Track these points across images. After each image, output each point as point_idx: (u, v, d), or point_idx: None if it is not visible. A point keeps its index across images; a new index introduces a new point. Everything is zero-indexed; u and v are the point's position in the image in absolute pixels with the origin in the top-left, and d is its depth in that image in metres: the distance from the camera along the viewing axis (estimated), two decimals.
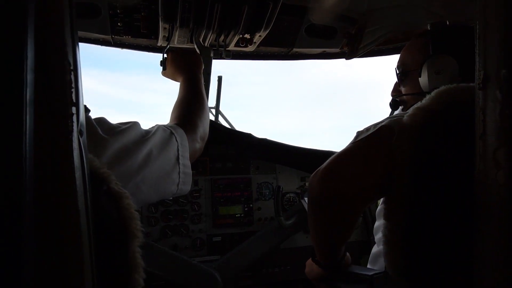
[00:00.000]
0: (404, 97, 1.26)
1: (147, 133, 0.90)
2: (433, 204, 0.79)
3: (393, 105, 1.32)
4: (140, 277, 0.61)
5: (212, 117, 2.52)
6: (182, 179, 0.97)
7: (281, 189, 2.00)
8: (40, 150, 0.39)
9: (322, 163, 2.65)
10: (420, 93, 1.16)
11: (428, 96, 0.83)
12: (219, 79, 2.23)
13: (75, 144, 0.41)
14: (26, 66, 0.38)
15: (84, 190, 0.43)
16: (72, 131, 0.41)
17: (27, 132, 0.38)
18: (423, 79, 1.11)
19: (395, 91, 1.31)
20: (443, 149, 0.79)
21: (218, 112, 2.52)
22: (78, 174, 0.42)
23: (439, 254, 0.80)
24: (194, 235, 2.21)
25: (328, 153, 2.40)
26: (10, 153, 0.37)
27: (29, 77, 0.38)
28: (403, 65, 1.23)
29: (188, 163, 1.00)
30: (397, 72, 1.26)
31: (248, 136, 2.30)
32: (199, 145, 1.10)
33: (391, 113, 2.44)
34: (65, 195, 0.39)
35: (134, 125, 0.88)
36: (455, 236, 0.79)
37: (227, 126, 2.41)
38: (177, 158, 0.95)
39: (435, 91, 0.83)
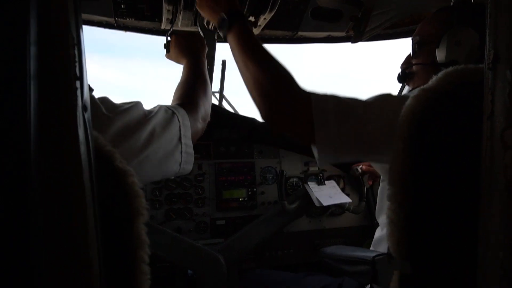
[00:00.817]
0: (414, 68, 1.24)
1: (150, 113, 0.91)
2: (437, 185, 0.79)
3: (401, 77, 1.30)
4: (145, 254, 0.61)
5: (216, 101, 2.51)
6: (184, 159, 0.98)
7: (284, 174, 2.00)
8: (44, 124, 0.38)
9: None
10: (431, 64, 1.15)
11: (435, 78, 0.81)
12: (223, 63, 2.21)
13: (79, 120, 0.41)
14: (29, 40, 0.38)
15: (89, 166, 0.43)
16: (76, 105, 0.41)
17: (32, 106, 0.37)
18: (441, 50, 1.10)
19: (406, 63, 1.29)
20: (448, 130, 0.78)
21: (222, 96, 2.51)
22: (83, 149, 0.41)
23: (443, 236, 0.81)
24: (198, 219, 2.23)
25: None
26: (15, 126, 0.37)
27: (33, 50, 0.37)
28: (421, 35, 1.22)
29: (190, 143, 1.00)
30: (413, 43, 1.24)
31: (252, 121, 2.29)
32: (200, 125, 1.10)
33: (401, 89, 2.42)
34: (70, 169, 0.39)
35: (137, 104, 0.88)
36: (459, 217, 0.79)
37: (231, 110, 2.40)
38: (179, 138, 0.95)
39: (443, 71, 0.82)
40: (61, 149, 0.40)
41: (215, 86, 2.50)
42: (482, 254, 0.62)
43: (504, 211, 0.58)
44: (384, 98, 0.95)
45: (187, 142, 0.99)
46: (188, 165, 1.01)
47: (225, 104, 2.59)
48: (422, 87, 0.81)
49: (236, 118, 2.35)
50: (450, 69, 0.81)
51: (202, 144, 2.32)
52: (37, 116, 0.38)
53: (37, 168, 0.37)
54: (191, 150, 1.01)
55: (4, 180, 0.37)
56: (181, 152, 0.96)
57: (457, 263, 0.79)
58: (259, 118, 2.29)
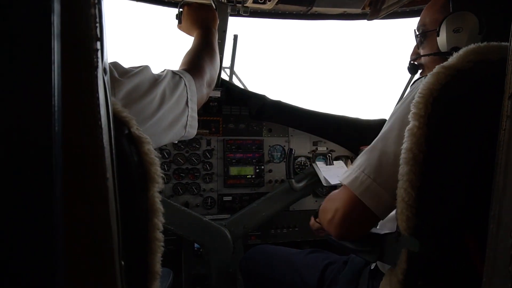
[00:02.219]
0: (422, 59, 1.22)
1: (159, 76, 0.92)
2: (450, 165, 0.79)
3: (411, 68, 1.28)
4: (159, 221, 0.63)
5: (226, 77, 2.49)
6: (189, 122, 1.00)
7: (293, 152, 2.00)
8: (66, 86, 0.38)
9: (335, 128, 2.61)
10: (437, 53, 1.12)
11: (455, 55, 0.79)
12: (235, 37, 2.17)
13: (99, 81, 0.41)
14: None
15: (108, 129, 0.43)
16: (97, 67, 0.41)
17: (55, 67, 0.37)
18: (441, 38, 1.07)
19: (414, 54, 1.27)
20: (465, 109, 0.77)
21: (232, 72, 2.49)
22: (102, 111, 0.42)
23: (453, 216, 0.81)
24: (206, 194, 2.26)
25: (341, 118, 2.39)
26: (38, 88, 0.37)
27: (56, 7, 0.37)
28: (423, 25, 1.19)
29: (195, 107, 1.02)
30: (417, 34, 1.22)
31: (262, 98, 2.28)
32: (206, 90, 1.11)
33: (409, 81, 2.38)
34: (90, 129, 0.40)
35: (146, 68, 0.90)
36: (471, 198, 0.78)
37: (241, 86, 2.39)
38: (186, 102, 0.97)
39: (464, 49, 0.79)
40: (82, 111, 0.40)
41: (226, 61, 2.47)
42: (493, 233, 0.62)
43: None
44: (392, 116, 0.96)
45: (193, 107, 1.01)
46: (193, 129, 1.03)
47: (235, 80, 2.57)
48: (442, 64, 0.79)
49: (246, 95, 2.34)
50: (471, 46, 0.79)
51: (211, 120, 2.33)
52: (59, 77, 0.38)
53: (58, 129, 0.38)
54: (196, 115, 1.03)
55: (27, 137, 0.37)
56: (187, 116, 0.98)
57: (465, 243, 0.79)
58: (269, 95, 2.29)
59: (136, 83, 0.84)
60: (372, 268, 1.21)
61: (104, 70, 0.43)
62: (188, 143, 2.26)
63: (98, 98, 0.41)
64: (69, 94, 0.38)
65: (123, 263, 0.45)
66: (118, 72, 0.83)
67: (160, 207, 0.63)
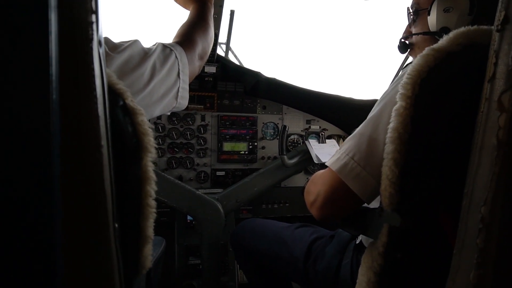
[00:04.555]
0: (413, 38, 1.23)
1: (149, 50, 0.94)
2: (433, 145, 0.82)
3: (402, 47, 1.29)
4: (151, 189, 0.66)
5: (222, 53, 2.48)
6: (181, 93, 1.02)
7: (286, 129, 2.03)
8: (62, 55, 0.40)
9: (328, 108, 2.62)
10: (427, 33, 1.14)
11: (445, 37, 0.81)
12: (232, 13, 2.15)
13: (95, 53, 0.43)
14: None
15: (103, 98, 0.46)
16: (92, 39, 0.43)
17: (52, 36, 0.39)
18: (432, 17, 1.08)
19: (406, 33, 1.27)
20: (452, 91, 0.79)
21: (228, 48, 2.47)
22: (98, 82, 0.44)
23: (433, 192, 0.85)
24: (199, 168, 2.30)
25: (335, 98, 2.41)
26: (36, 53, 0.39)
27: None
28: (417, 3, 1.19)
29: (187, 79, 1.04)
30: (410, 12, 1.22)
31: (257, 75, 2.28)
32: (198, 63, 1.12)
33: (403, 63, 2.38)
34: (85, 99, 0.42)
35: (136, 42, 0.91)
36: (450, 175, 0.82)
37: (237, 63, 2.38)
38: (178, 73, 0.99)
39: (453, 32, 0.81)
40: (78, 81, 0.42)
41: (222, 37, 2.46)
42: (465, 209, 0.67)
43: (491, 170, 0.61)
44: (382, 99, 0.96)
45: (184, 78, 1.02)
46: (184, 100, 1.04)
47: (231, 57, 2.55)
48: (431, 46, 0.81)
49: (241, 71, 2.34)
50: (461, 29, 0.80)
51: (206, 95, 2.33)
52: (56, 49, 0.39)
53: (56, 97, 0.40)
54: (187, 86, 1.05)
55: (25, 105, 0.39)
56: (179, 87, 1.00)
57: (440, 219, 0.83)
58: (264, 72, 2.29)
59: (126, 57, 0.85)
60: (357, 243, 1.26)
61: (99, 42, 0.45)
62: (182, 118, 2.28)
63: (93, 69, 0.43)
64: (65, 65, 0.40)
65: (116, 225, 0.48)
66: (109, 47, 0.84)
67: (152, 175, 0.66)
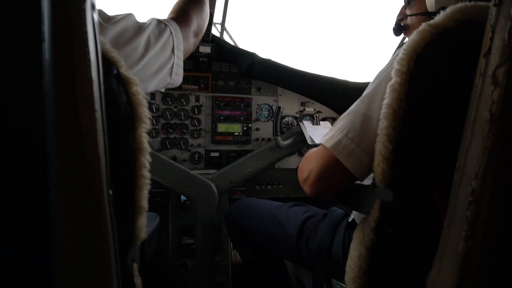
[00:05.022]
0: (409, 19, 1.22)
1: (144, 24, 0.93)
2: (427, 121, 0.82)
3: (397, 29, 1.28)
4: (146, 160, 0.66)
5: (217, 33, 2.45)
6: (175, 70, 1.01)
7: (281, 110, 2.03)
8: (55, 16, 0.39)
9: (323, 90, 2.62)
10: (424, 13, 1.13)
11: (442, 13, 0.80)
12: None
13: (88, 14, 0.42)
14: None
15: (96, 63, 0.45)
16: (85, 1, 0.42)
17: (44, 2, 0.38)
18: None
19: (401, 14, 1.26)
20: (448, 67, 0.79)
21: (223, 28, 2.44)
22: (91, 45, 0.43)
23: (424, 168, 0.86)
24: (193, 149, 2.30)
25: (330, 80, 2.40)
26: (28, 14, 0.38)
27: None
28: None
29: (181, 56, 1.03)
30: None
31: (252, 56, 2.26)
32: (193, 39, 1.11)
33: (399, 46, 2.37)
34: (78, 62, 0.41)
35: (130, 15, 0.90)
36: (441, 151, 0.83)
37: (232, 43, 2.36)
38: (173, 49, 0.98)
39: (451, 7, 0.80)
40: (70, 43, 0.41)
41: (217, 17, 2.42)
42: (457, 183, 0.68)
43: (483, 144, 0.62)
44: (377, 77, 0.96)
45: (179, 54, 1.01)
46: (178, 77, 1.04)
47: (226, 37, 2.52)
48: (428, 22, 0.80)
49: (237, 52, 2.31)
50: (458, 5, 0.80)
51: (201, 76, 2.31)
52: (48, 8, 0.39)
53: (48, 57, 0.39)
54: (182, 63, 1.04)
55: (17, 66, 0.38)
56: (173, 63, 0.99)
57: (431, 194, 0.85)
58: (259, 53, 2.27)
59: (120, 29, 0.84)
60: (349, 220, 1.28)
61: (93, 5, 0.44)
62: (176, 98, 2.26)
63: (86, 32, 0.42)
64: (58, 26, 0.39)
65: (111, 192, 0.49)
66: (102, 19, 0.83)
67: (147, 146, 0.66)
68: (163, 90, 1.39)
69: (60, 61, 0.40)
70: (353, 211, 1.23)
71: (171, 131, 2.25)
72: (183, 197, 2.22)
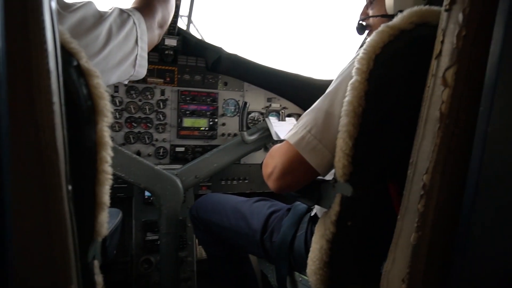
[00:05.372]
0: (371, 20, 1.26)
1: (105, 13, 0.89)
2: (385, 118, 0.86)
3: (360, 28, 1.32)
4: (107, 154, 0.64)
5: (183, 26, 2.41)
6: (139, 61, 0.98)
7: (247, 105, 2.03)
8: (8, 5, 0.38)
9: (289, 86, 2.64)
10: (385, 15, 1.17)
11: (399, 15, 0.84)
12: None
13: (45, 3, 0.41)
14: None
15: (55, 54, 0.44)
16: None
17: None
18: (389, 1, 1.11)
19: (363, 14, 1.30)
20: (403, 67, 0.84)
21: (190, 21, 2.41)
22: (49, 35, 0.42)
23: (381, 164, 0.90)
24: (158, 144, 2.26)
25: (295, 77, 2.44)
26: None
27: None
28: None
29: (146, 47, 1.00)
30: None
31: (218, 50, 2.25)
32: (157, 31, 1.08)
33: (362, 45, 2.45)
34: (35, 51, 0.40)
35: (90, 3, 0.86)
36: (397, 148, 0.88)
37: (199, 37, 2.33)
38: (136, 40, 0.95)
39: (407, 10, 0.84)
40: (27, 32, 0.40)
41: (184, 9, 2.38)
42: (410, 178, 0.72)
43: (433, 141, 0.66)
44: (340, 75, 0.99)
45: (143, 46, 0.98)
46: (142, 69, 1.01)
47: (192, 30, 2.49)
48: (386, 23, 0.84)
49: (203, 46, 2.29)
50: (414, 8, 0.84)
51: (166, 69, 2.27)
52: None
53: (2, 45, 0.38)
54: (146, 55, 1.01)
55: None
56: (137, 55, 0.96)
57: (387, 188, 0.89)
58: (226, 48, 2.26)
59: (79, 17, 0.80)
60: (312, 215, 1.32)
61: None
62: (141, 91, 2.21)
63: (43, 21, 0.41)
64: (12, 13, 0.38)
65: (70, 187, 0.47)
66: (60, 6, 0.79)
67: (108, 141, 0.64)
68: (126, 83, 1.35)
69: (15, 49, 0.39)
70: (316, 206, 1.26)
71: (135, 125, 2.20)
72: (147, 193, 2.17)
